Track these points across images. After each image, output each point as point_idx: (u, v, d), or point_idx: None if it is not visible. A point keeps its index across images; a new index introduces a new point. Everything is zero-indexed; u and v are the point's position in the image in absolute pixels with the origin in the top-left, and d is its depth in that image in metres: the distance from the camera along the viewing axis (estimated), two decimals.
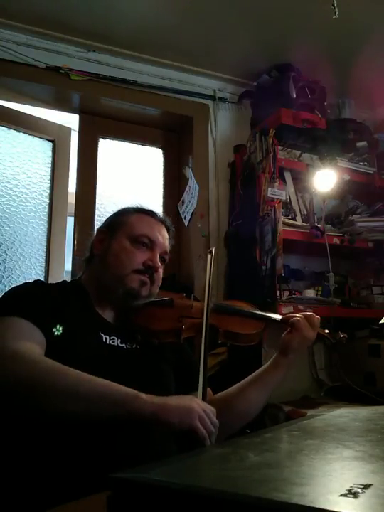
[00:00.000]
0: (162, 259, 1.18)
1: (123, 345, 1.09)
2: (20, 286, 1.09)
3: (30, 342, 0.92)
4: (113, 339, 1.07)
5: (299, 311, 1.83)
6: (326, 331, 1.29)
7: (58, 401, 0.83)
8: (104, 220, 1.28)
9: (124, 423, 0.84)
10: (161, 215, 1.25)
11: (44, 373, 0.84)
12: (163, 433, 0.96)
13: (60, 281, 1.24)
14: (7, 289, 1.10)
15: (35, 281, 1.14)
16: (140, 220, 1.18)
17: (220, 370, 1.81)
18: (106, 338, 1.06)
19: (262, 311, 1.29)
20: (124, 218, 1.19)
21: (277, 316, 1.26)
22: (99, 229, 1.24)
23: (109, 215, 1.28)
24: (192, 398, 0.88)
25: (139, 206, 1.24)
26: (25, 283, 1.12)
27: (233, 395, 1.17)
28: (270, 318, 1.26)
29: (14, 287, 1.08)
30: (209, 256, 1.24)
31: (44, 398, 0.83)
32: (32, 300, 1.01)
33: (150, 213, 1.22)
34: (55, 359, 0.88)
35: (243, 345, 1.21)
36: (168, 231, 1.23)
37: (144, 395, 0.83)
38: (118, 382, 0.95)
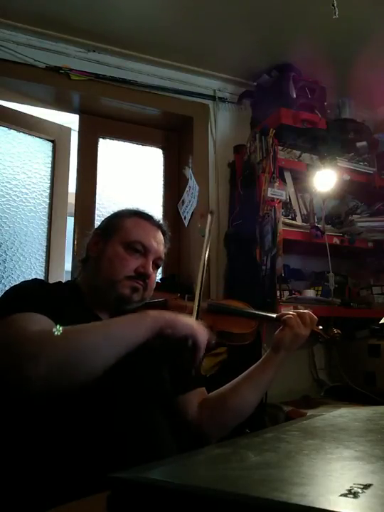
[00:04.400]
0: (156, 265, 1.18)
1: None
2: (21, 284, 1.08)
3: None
4: None
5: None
6: (320, 327, 1.30)
7: (100, 354, 0.83)
8: (102, 220, 1.27)
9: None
10: (158, 219, 1.24)
11: (76, 339, 0.84)
12: (164, 430, 0.96)
13: (56, 281, 1.22)
14: (7, 289, 1.08)
15: (33, 279, 1.14)
16: (135, 224, 1.17)
17: (220, 370, 1.81)
18: None
19: (260, 310, 1.30)
20: (120, 222, 1.18)
21: (271, 315, 1.27)
22: (95, 231, 1.23)
23: (107, 215, 1.27)
24: None
25: (136, 209, 1.23)
26: (25, 281, 1.11)
27: (227, 393, 1.18)
28: (264, 316, 1.27)
29: (15, 286, 1.06)
30: (209, 217, 1.26)
31: (88, 359, 0.82)
32: (37, 297, 1.00)
33: (146, 217, 1.21)
34: None
35: (238, 344, 1.23)
36: (164, 235, 1.22)
37: (149, 311, 0.92)
38: (114, 383, 0.95)
